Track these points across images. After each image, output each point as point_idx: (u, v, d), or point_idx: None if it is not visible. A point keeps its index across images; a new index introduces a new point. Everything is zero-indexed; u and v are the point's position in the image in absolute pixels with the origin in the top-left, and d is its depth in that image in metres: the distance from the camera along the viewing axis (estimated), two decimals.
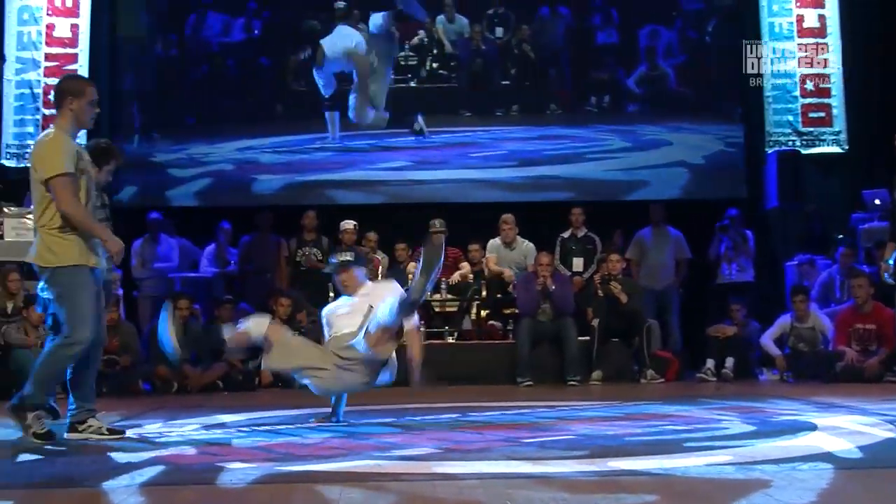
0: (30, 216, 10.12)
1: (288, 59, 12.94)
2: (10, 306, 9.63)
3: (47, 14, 12.48)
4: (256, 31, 12.97)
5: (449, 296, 10.86)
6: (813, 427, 5.41)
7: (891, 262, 7.11)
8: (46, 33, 12.47)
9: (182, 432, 5.89)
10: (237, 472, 4.16)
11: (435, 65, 13.13)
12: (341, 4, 12.82)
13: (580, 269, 11.06)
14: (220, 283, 11.46)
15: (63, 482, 4.15)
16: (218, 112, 12.94)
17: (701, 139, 12.82)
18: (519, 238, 11.07)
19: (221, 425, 6.25)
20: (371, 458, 4.60)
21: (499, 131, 13.04)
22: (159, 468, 4.41)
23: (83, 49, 12.52)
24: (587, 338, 10.00)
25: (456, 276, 11.03)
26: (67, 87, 5.68)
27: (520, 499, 3.51)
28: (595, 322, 9.98)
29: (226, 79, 13.09)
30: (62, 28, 12.50)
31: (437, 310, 10.84)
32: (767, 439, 4.95)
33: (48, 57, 12.46)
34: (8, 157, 12.29)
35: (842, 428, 5.35)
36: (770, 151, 12.13)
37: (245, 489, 3.86)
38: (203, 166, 12.77)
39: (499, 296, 10.71)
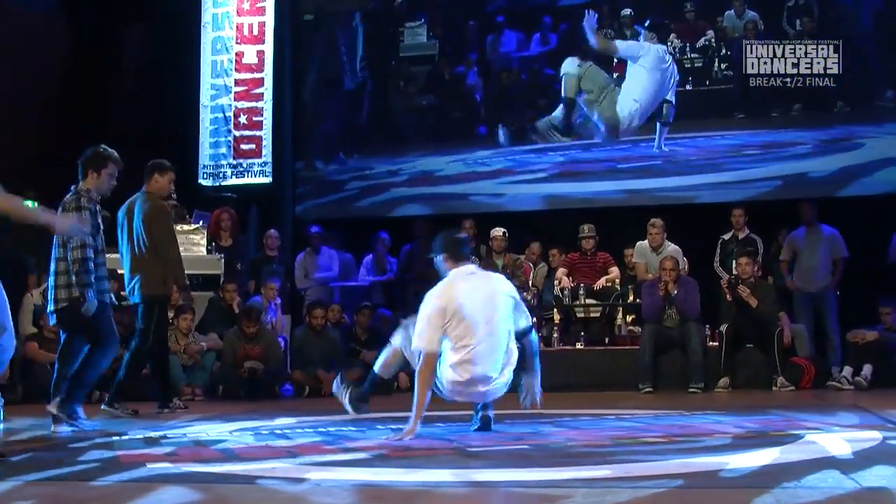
0: (196, 232, 11.06)
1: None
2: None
3: (236, 43, 13.46)
4: (552, 44, 13.29)
5: (590, 301, 10.75)
6: (794, 440, 5.11)
7: None
8: (236, 60, 13.46)
9: (197, 434, 6.29)
10: (130, 472, 4.44)
11: (723, 65, 12.79)
12: (627, 12, 12.98)
13: None
14: (378, 291, 11.90)
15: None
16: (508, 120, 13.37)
17: None
18: (666, 241, 10.78)
19: (254, 428, 6.58)
20: (290, 461, 4.77)
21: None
22: (90, 465, 4.80)
23: (268, 73, 13.41)
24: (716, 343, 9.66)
25: (602, 281, 10.91)
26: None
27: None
28: (723, 327, 9.59)
29: (512, 92, 13.50)
30: (250, 55, 13.47)
31: (579, 315, 10.76)
32: (705, 455, 4.67)
33: (238, 82, 13.43)
34: (204, 176, 13.34)
35: (816, 444, 4.96)
36: None
37: (97, 486, 4.14)
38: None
39: (637, 301, 10.49)
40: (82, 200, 6.80)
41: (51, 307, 6.92)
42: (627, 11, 12.92)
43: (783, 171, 12.17)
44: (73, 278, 6.71)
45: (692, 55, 12.76)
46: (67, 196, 6.90)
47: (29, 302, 10.37)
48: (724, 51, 12.68)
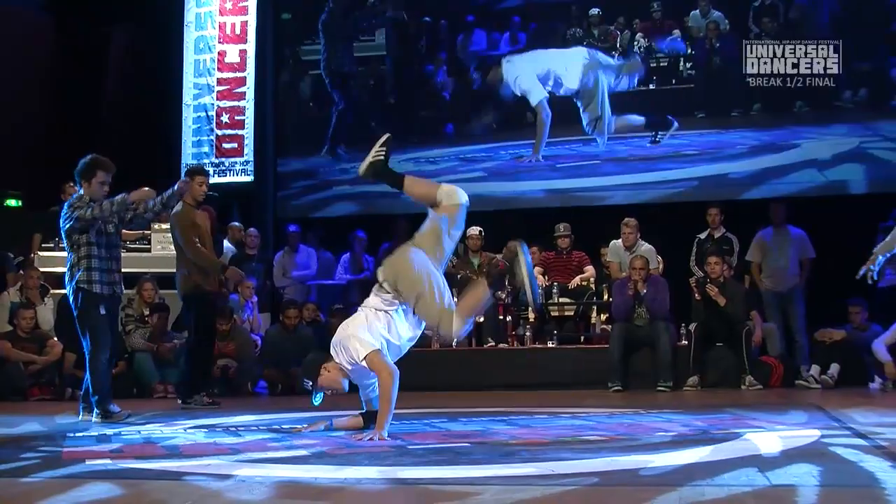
0: None
1: None
2: (146, 313, 10.57)
3: (219, 42, 13.52)
4: (521, 43, 13.27)
5: (564, 299, 10.80)
6: (732, 438, 5.17)
7: None
8: (218, 59, 13.52)
9: (151, 431, 6.36)
10: (66, 469, 4.50)
11: (688, 64, 12.78)
12: (595, 11, 13.01)
13: None
14: (356, 290, 11.93)
15: None
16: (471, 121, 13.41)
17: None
18: (640, 241, 10.81)
19: (209, 426, 6.64)
20: (228, 458, 4.83)
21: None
22: (31, 462, 4.87)
23: (250, 72, 13.46)
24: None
25: (576, 280, 10.95)
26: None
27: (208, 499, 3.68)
28: (692, 326, 9.64)
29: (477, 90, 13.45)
30: (232, 54, 13.52)
31: (553, 314, 10.81)
32: (636, 453, 4.69)
33: (220, 81, 13.49)
34: None
35: (749, 443, 5.01)
36: None
37: (24, 483, 4.21)
38: None
39: (611, 300, 10.53)
40: (83, 201, 7.11)
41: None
42: (595, 11, 12.95)
43: (705, 172, 12.28)
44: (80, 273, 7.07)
45: (657, 55, 12.77)
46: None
47: (5, 300, 10.44)
48: (689, 50, 12.69)
